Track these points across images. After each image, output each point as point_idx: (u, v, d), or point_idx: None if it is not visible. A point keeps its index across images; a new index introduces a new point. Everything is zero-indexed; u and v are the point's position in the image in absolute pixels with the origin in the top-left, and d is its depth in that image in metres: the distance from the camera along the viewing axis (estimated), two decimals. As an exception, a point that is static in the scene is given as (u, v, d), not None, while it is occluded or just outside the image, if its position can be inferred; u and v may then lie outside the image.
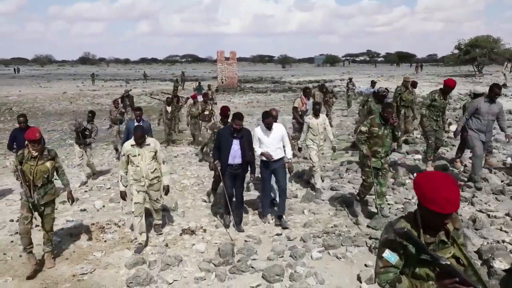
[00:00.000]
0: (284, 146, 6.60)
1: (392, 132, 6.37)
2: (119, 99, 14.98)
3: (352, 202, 7.05)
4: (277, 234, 6.19)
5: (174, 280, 4.96)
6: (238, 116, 6.17)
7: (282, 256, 5.39)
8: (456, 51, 48.70)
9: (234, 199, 6.54)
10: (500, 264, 4.71)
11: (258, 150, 6.53)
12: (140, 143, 5.77)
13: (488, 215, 6.39)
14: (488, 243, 5.42)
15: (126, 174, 5.90)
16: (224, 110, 7.58)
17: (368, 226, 6.28)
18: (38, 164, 5.12)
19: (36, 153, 5.10)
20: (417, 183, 2.28)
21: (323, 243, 5.72)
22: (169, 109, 13.44)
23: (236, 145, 6.21)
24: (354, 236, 5.93)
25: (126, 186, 5.98)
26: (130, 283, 4.85)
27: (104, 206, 7.61)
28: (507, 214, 6.34)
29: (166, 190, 6.14)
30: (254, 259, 5.32)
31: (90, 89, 37.26)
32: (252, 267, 5.12)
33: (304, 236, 5.98)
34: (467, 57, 46.32)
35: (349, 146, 11.84)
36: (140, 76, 57.36)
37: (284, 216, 6.64)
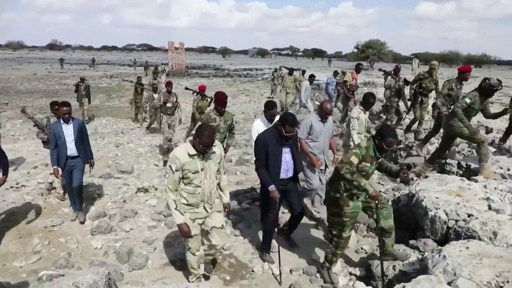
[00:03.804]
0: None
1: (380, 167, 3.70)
2: (74, 87, 11.67)
3: None
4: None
5: (131, 229, 4.89)
6: (292, 122, 3.63)
7: (218, 208, 5.47)
8: (355, 50, 50.99)
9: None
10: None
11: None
12: (206, 151, 3.19)
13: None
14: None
15: (176, 202, 3.23)
16: (221, 98, 4.86)
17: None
18: None
19: None
20: None
21: (251, 197, 5.86)
22: (156, 96, 9.97)
23: (287, 154, 3.83)
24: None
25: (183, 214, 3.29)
26: (93, 231, 4.72)
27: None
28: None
29: (228, 209, 3.76)
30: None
31: (57, 71, 34.45)
32: (194, 217, 5.15)
33: (236, 192, 6.09)
34: (363, 55, 48.94)
35: None
36: (102, 61, 54.05)
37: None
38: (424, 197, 4.32)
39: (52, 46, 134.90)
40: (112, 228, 4.83)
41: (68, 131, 4.87)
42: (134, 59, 43.30)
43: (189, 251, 3.44)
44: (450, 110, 6.14)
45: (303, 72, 15.89)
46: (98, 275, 3.07)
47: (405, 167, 3.50)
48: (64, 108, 4.84)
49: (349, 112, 9.25)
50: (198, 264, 3.50)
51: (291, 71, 13.09)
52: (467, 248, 3.11)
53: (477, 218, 3.70)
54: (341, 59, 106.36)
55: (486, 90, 5.40)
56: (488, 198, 4.35)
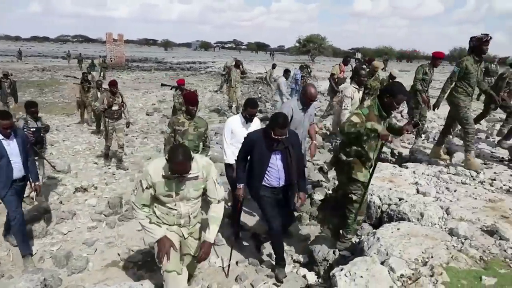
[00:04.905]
0: None
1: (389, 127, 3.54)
2: None
3: None
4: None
5: (69, 231, 4.63)
6: (283, 123, 3.14)
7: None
8: (297, 44, 52.18)
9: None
10: (318, 196, 5.33)
11: (227, 148, 4.09)
12: (179, 179, 2.64)
13: (313, 163, 6.99)
14: (311, 181, 5.93)
15: (149, 217, 2.81)
16: (192, 98, 4.23)
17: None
18: None
19: None
20: None
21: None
22: (100, 95, 8.17)
23: (278, 161, 3.37)
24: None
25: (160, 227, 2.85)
26: (26, 237, 4.40)
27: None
28: (324, 162, 7.09)
29: (206, 250, 2.84)
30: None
31: (-23, 63, 31.24)
32: (138, 215, 5.00)
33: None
34: (304, 49, 50.21)
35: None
36: (32, 53, 50.02)
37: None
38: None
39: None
40: (48, 232, 4.54)
41: (13, 148, 3.83)
42: (68, 51, 40.47)
43: (165, 270, 2.77)
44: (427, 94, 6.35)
45: (274, 66, 15.77)
46: (32, 282, 2.90)
47: (410, 124, 3.39)
48: (5, 122, 3.70)
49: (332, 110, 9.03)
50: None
51: (237, 63, 12.30)
52: (398, 229, 3.37)
53: (407, 201, 4.01)
54: (283, 53, 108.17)
55: (476, 48, 4.89)
56: (416, 183, 4.73)
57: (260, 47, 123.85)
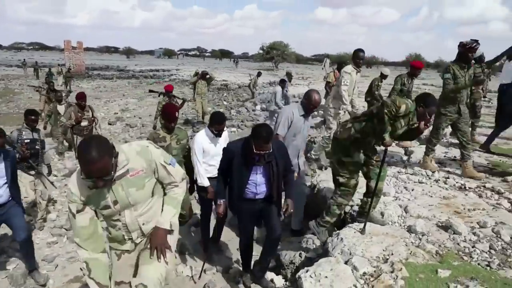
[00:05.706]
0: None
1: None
2: None
3: None
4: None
5: (26, 248, 4.40)
6: (266, 137, 2.77)
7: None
8: (261, 51, 52.85)
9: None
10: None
11: (200, 168, 3.76)
12: (99, 184, 1.91)
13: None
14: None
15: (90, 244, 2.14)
16: (169, 110, 3.81)
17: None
18: None
19: None
20: None
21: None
22: (61, 109, 7.58)
23: (259, 175, 3.05)
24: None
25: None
26: (-21, 256, 4.14)
27: None
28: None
29: (159, 239, 2.22)
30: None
31: None
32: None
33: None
34: (268, 56, 50.96)
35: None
36: (-17, 61, 47.30)
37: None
38: (324, 187, 4.70)
39: None
40: (3, 250, 4.30)
41: None
42: (24, 59, 38.66)
43: None
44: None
45: (259, 74, 15.47)
46: (-14, 304, 2.72)
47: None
48: None
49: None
50: None
51: (203, 74, 11.15)
52: (361, 229, 3.48)
53: (368, 202, 4.14)
54: (248, 59, 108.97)
55: (461, 54, 4.76)
56: (377, 183, 4.89)
57: (224, 54, 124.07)
